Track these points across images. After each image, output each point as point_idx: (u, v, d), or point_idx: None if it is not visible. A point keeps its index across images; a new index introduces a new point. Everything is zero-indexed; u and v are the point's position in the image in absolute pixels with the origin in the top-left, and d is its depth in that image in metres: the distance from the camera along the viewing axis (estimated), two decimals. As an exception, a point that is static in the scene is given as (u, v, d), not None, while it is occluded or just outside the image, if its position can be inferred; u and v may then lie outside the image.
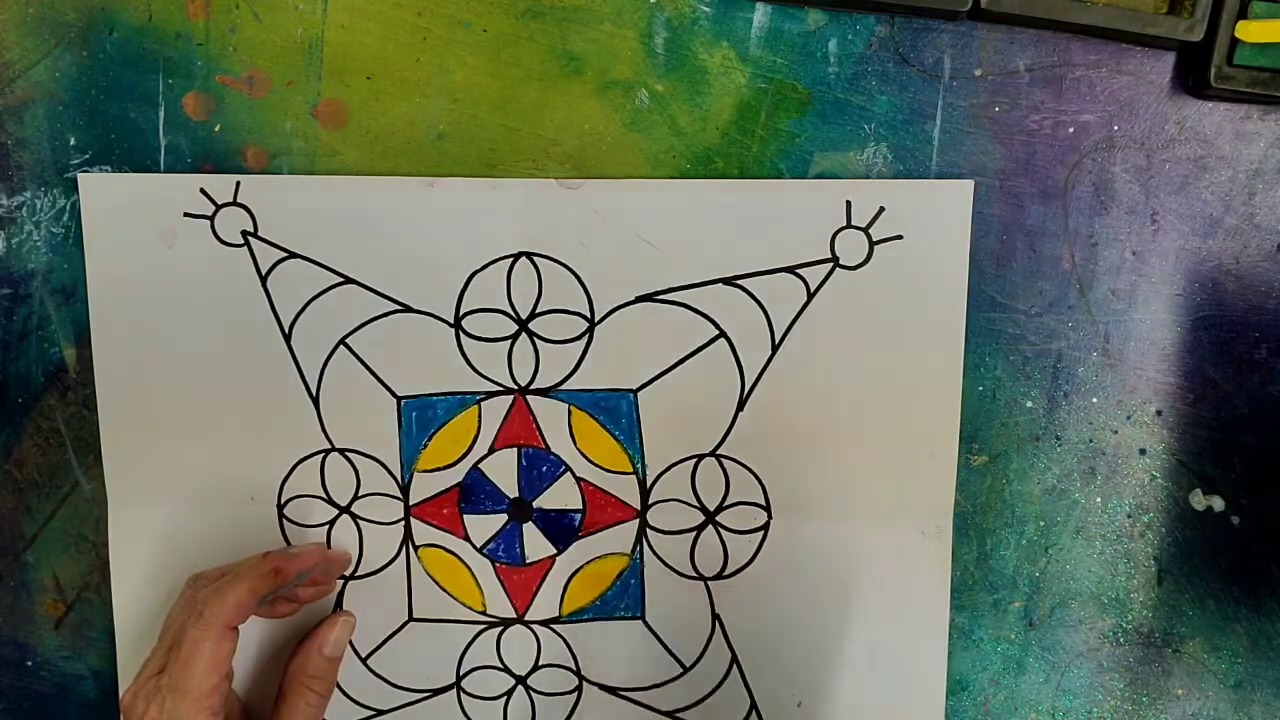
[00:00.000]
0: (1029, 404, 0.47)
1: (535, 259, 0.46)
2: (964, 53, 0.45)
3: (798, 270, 0.45)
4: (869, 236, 0.45)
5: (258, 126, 0.46)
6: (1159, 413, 0.47)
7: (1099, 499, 0.47)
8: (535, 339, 0.46)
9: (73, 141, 0.46)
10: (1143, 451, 0.47)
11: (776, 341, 0.45)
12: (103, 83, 0.46)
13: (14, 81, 0.46)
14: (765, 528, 0.47)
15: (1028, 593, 0.48)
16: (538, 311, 0.46)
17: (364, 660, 0.48)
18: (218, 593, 0.41)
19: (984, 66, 0.45)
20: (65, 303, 0.47)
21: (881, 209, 0.45)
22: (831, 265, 0.45)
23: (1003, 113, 0.45)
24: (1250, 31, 0.43)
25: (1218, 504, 0.47)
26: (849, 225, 0.45)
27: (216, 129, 0.46)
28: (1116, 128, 0.45)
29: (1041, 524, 0.48)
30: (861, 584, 0.46)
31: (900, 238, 0.45)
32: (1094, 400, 0.47)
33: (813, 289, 0.45)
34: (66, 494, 0.48)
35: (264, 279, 0.46)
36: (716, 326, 0.45)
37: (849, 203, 0.45)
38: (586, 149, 0.46)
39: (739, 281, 0.45)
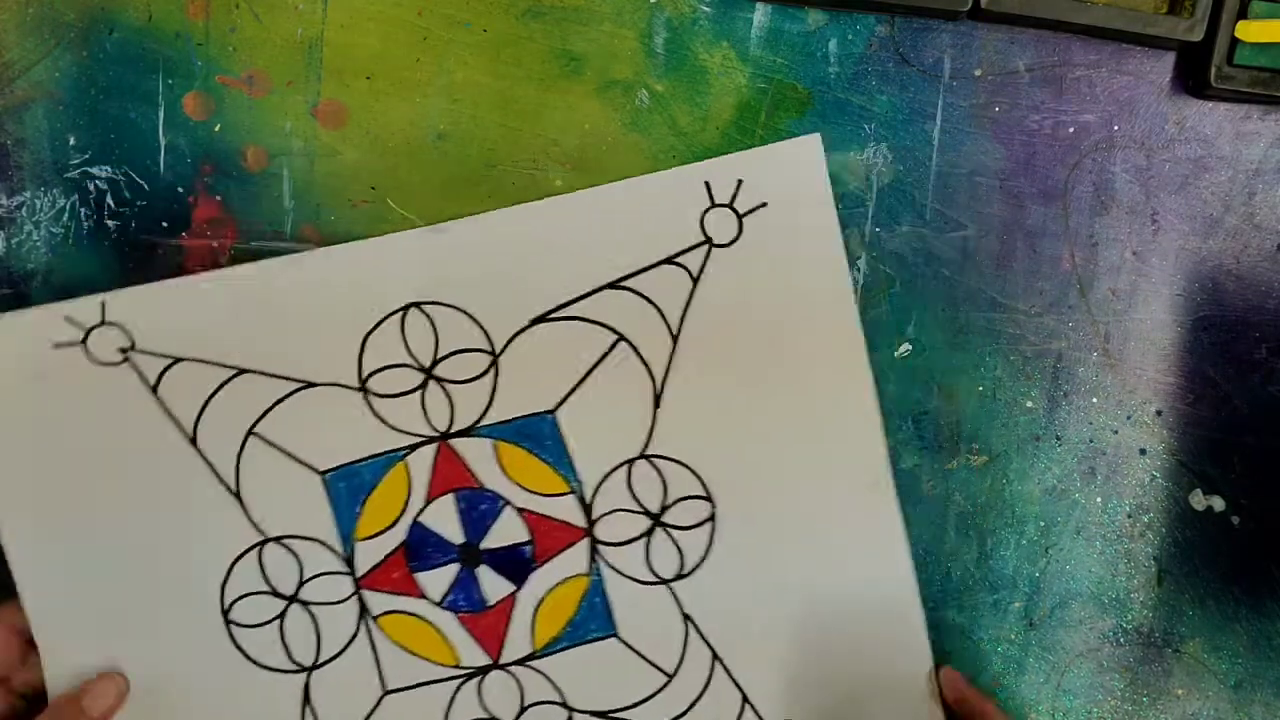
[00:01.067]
0: (1029, 404, 0.47)
1: (424, 307, 0.45)
2: (964, 53, 0.45)
3: (676, 260, 0.45)
4: (735, 211, 0.45)
5: (258, 126, 0.46)
6: (1159, 413, 0.47)
7: (1099, 499, 0.47)
8: (443, 384, 0.46)
9: (73, 141, 0.46)
10: (1143, 451, 0.47)
11: (674, 333, 0.45)
12: (103, 83, 0.46)
13: (14, 81, 0.46)
14: (712, 518, 0.46)
15: (1028, 593, 0.48)
16: (439, 357, 0.45)
17: None
18: None
19: (984, 66, 0.45)
20: (65, 303, 0.47)
21: (740, 182, 0.45)
22: (707, 246, 0.45)
23: (1003, 113, 0.45)
24: (1250, 31, 0.43)
25: (1218, 504, 0.47)
26: (713, 205, 0.45)
27: (216, 129, 0.46)
28: (1116, 128, 0.45)
29: (1041, 524, 0.48)
30: (818, 550, 0.46)
31: (764, 205, 0.45)
32: (1094, 400, 0.47)
33: (695, 274, 0.45)
34: (66, 494, 0.48)
35: (154, 389, 0.45)
36: (614, 331, 0.45)
37: (707, 183, 0.45)
38: (586, 149, 0.46)
39: (624, 283, 0.45)
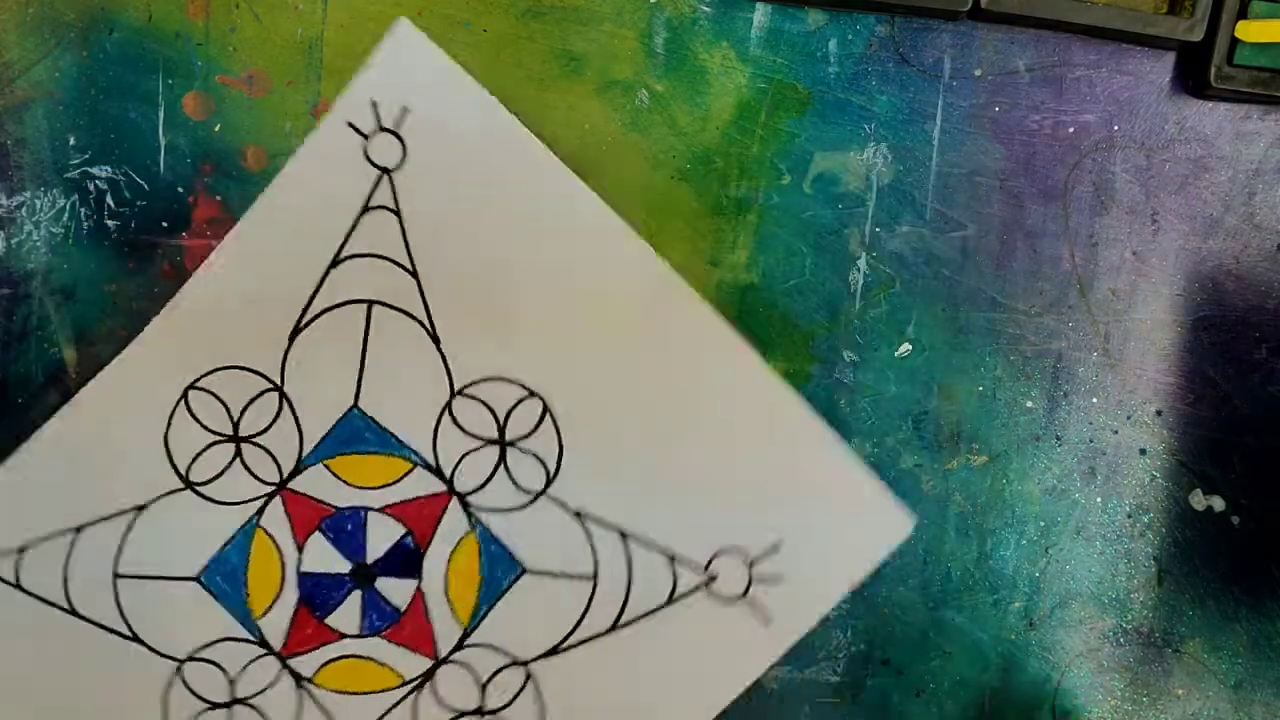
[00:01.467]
0: (1029, 404, 0.47)
1: (198, 385, 0.45)
2: (964, 53, 0.45)
3: (371, 207, 0.45)
4: (388, 131, 0.45)
5: (258, 126, 0.46)
6: (1159, 413, 0.47)
7: (1099, 499, 0.47)
8: (253, 441, 0.46)
9: (73, 141, 0.46)
10: (1143, 451, 0.47)
11: (412, 270, 0.45)
12: (103, 83, 0.46)
13: (14, 81, 0.46)
14: (546, 410, 0.46)
15: (1028, 593, 0.48)
16: (237, 419, 0.45)
17: None
18: None
19: (984, 66, 0.45)
20: (65, 303, 0.47)
21: (374, 103, 0.44)
22: (383, 176, 0.45)
23: (1003, 113, 0.45)
24: (1250, 31, 0.43)
25: (1218, 504, 0.47)
26: (366, 135, 0.45)
27: (216, 129, 0.46)
28: (1116, 128, 0.45)
29: (1041, 524, 0.48)
30: (660, 396, 0.46)
31: (406, 110, 0.44)
32: (1094, 400, 0.47)
33: (395, 207, 0.45)
34: (66, 494, 0.48)
35: (18, 584, 0.45)
36: (362, 301, 0.45)
37: (350, 123, 0.45)
38: (586, 149, 0.46)
39: (344, 254, 0.45)
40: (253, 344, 0.45)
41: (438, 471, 0.46)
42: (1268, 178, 0.46)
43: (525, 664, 0.47)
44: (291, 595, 0.46)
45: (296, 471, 0.46)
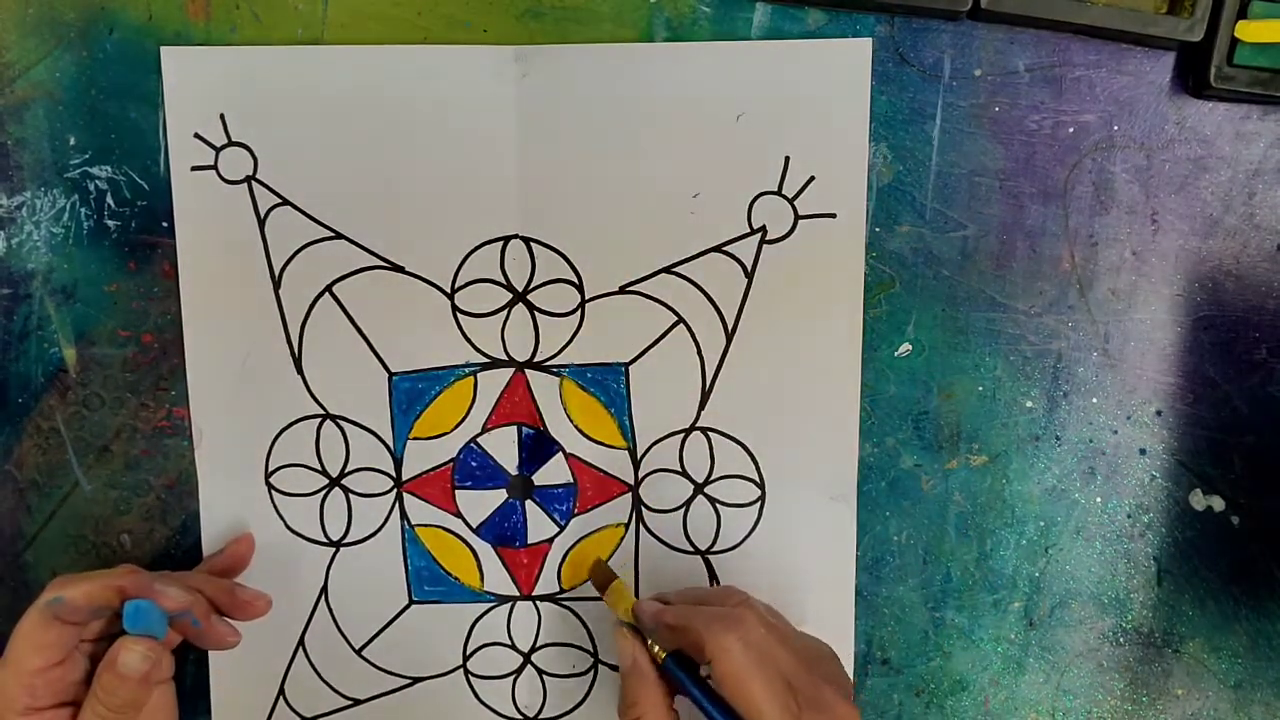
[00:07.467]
0: (1029, 404, 0.47)
1: (528, 241, 0.46)
2: (964, 53, 0.45)
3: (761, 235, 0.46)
4: (795, 209, 0.45)
5: (258, 126, 0.46)
6: (1159, 413, 0.47)
7: (1099, 499, 0.47)
8: (532, 310, 0.46)
9: (72, 141, 0.46)
10: (1143, 451, 0.47)
11: (732, 324, 0.46)
12: (103, 83, 0.46)
13: (14, 81, 0.46)
14: (762, 499, 0.47)
15: (1028, 593, 0.48)
16: (532, 285, 0.46)
17: (359, 651, 0.48)
18: (62, 579, 0.41)
19: (984, 66, 0.45)
20: (65, 303, 0.47)
21: (788, 159, 0.45)
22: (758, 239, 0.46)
23: (1003, 113, 0.45)
24: (1250, 31, 0.43)
25: (1217, 504, 0.47)
26: (763, 193, 0.45)
27: (216, 129, 0.46)
28: (1116, 128, 0.45)
29: (1041, 524, 0.48)
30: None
31: (813, 180, 0.45)
32: (1094, 400, 0.47)
33: (750, 267, 0.46)
34: (66, 494, 0.48)
35: (262, 220, 0.46)
36: (675, 313, 0.46)
37: (787, 158, 0.45)
38: (586, 149, 0.46)
39: (722, 248, 0.46)
40: (588, 256, 0.46)
41: (636, 466, 0.47)
42: (1267, 178, 0.46)
43: (595, 659, 0.48)
44: (450, 450, 0.47)
45: (540, 366, 0.47)
